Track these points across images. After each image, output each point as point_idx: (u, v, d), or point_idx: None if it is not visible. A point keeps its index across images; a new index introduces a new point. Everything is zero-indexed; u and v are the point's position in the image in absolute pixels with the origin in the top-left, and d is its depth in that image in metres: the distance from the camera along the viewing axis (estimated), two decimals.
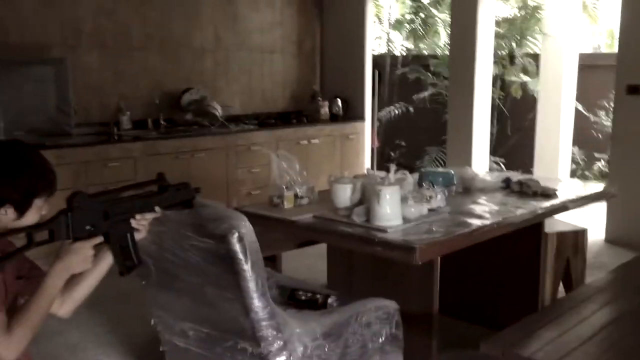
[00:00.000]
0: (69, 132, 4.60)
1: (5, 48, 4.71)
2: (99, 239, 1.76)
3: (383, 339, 2.46)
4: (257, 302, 2.02)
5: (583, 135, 7.17)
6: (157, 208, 1.87)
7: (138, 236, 1.86)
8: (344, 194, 2.72)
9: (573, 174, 7.15)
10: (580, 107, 7.13)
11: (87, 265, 1.74)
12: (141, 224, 1.85)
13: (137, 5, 5.44)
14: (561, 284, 3.76)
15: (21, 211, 1.67)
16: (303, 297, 2.58)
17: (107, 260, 1.85)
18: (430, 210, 2.74)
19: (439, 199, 2.83)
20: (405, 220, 2.56)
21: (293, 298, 2.59)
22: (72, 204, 1.68)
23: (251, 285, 1.99)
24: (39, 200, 1.71)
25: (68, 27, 5.05)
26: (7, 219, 1.66)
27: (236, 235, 1.95)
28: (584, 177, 7.40)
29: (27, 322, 1.63)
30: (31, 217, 1.70)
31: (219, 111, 5.65)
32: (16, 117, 4.35)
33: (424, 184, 2.99)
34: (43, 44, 4.91)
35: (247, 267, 1.97)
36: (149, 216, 1.87)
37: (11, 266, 1.71)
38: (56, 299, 1.74)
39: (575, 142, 6.87)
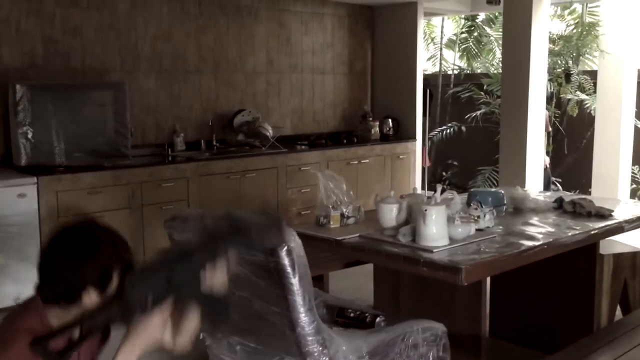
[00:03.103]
0: (125, 154, 4.74)
1: (67, 73, 4.93)
2: (166, 307, 1.42)
3: None
4: (303, 317, 2.03)
5: None
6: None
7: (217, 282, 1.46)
8: (390, 214, 2.72)
9: (633, 194, 6.91)
10: None
11: (159, 335, 1.42)
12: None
13: (192, 30, 5.61)
14: (619, 308, 3.63)
15: (103, 288, 1.61)
16: (352, 315, 2.58)
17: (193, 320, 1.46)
18: (478, 230, 2.70)
19: (487, 219, 2.79)
20: (452, 240, 2.54)
21: (341, 315, 2.60)
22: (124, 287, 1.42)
23: (298, 299, 2.01)
24: (116, 273, 1.63)
25: (126, 52, 5.25)
26: (91, 301, 1.61)
27: (285, 248, 1.97)
28: None
29: None
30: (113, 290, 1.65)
31: (270, 132, 5.74)
32: (76, 139, 4.52)
33: (472, 203, 2.95)
34: (103, 69, 5.12)
35: (294, 280, 2.00)
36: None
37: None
38: None
39: (636, 160, 6.65)
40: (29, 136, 4.36)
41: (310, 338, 2.05)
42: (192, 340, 1.45)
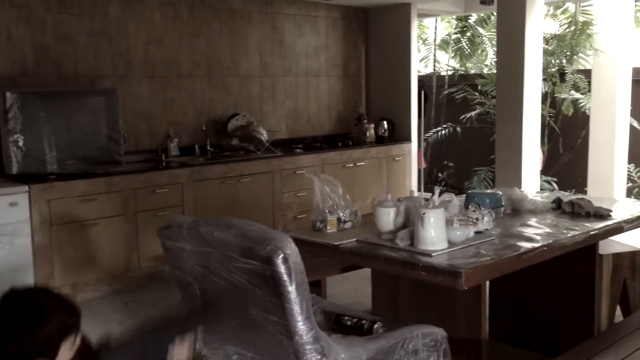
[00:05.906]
0: (119, 160, 4.69)
1: (58, 80, 4.88)
2: None
3: None
4: (301, 325, 2.00)
5: (639, 152, 6.92)
6: None
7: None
8: (387, 218, 2.68)
9: (629, 192, 6.89)
10: (635, 123, 6.90)
11: None
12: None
13: (184, 35, 5.57)
14: (619, 308, 3.61)
15: (50, 357, 1.64)
16: (349, 323, 2.55)
17: None
18: (477, 232, 2.67)
19: (485, 221, 2.76)
20: (451, 243, 2.50)
21: (338, 323, 2.56)
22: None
23: (295, 307, 1.98)
24: (66, 342, 1.66)
25: (119, 57, 5.20)
26: None
27: (281, 256, 1.94)
28: None
29: None
30: (65, 355, 1.66)
31: (264, 136, 5.70)
32: (69, 146, 4.47)
33: (470, 206, 2.92)
34: (95, 75, 5.07)
35: (291, 288, 1.96)
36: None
37: None
38: None
39: (631, 159, 6.64)
40: (20, 144, 4.30)
41: (309, 347, 2.02)
42: None
